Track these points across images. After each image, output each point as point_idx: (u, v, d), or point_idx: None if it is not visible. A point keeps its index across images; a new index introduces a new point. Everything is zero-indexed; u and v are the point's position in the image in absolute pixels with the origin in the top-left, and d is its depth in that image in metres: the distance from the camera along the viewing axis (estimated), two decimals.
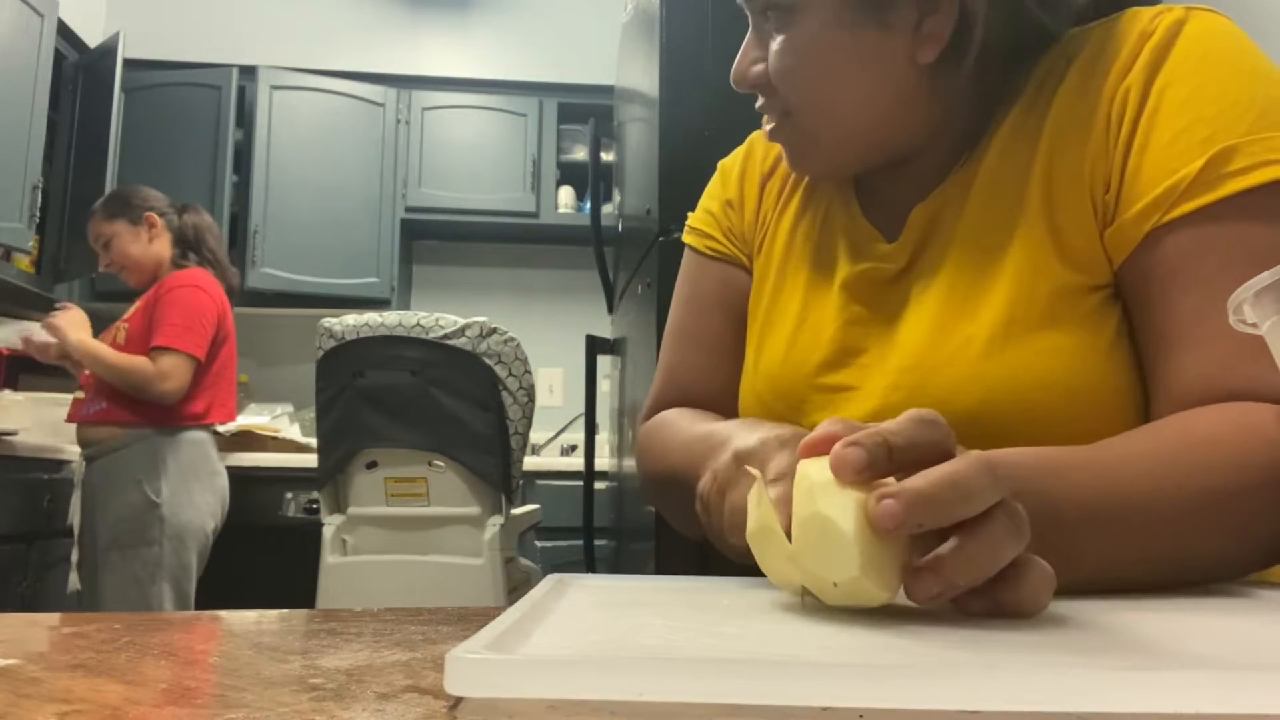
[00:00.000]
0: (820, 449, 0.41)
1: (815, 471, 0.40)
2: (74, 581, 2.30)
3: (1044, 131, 0.64)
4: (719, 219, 0.84)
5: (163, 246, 2.43)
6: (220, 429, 3.11)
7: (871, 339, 0.69)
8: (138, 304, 2.38)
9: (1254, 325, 0.42)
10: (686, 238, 0.87)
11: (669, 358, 0.86)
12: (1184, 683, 0.27)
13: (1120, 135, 0.60)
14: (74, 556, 2.30)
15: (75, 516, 2.30)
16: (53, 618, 0.49)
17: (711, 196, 0.86)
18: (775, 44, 0.65)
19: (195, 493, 2.31)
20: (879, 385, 0.66)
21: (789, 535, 0.41)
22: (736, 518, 0.51)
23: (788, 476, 0.47)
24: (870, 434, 0.39)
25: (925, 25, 0.63)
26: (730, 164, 0.87)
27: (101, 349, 2.27)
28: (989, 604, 0.39)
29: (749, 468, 0.47)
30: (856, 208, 0.74)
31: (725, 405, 0.79)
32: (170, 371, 2.25)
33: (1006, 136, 0.66)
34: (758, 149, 0.85)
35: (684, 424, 0.75)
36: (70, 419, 2.35)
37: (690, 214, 0.88)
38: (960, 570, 0.38)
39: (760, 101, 0.71)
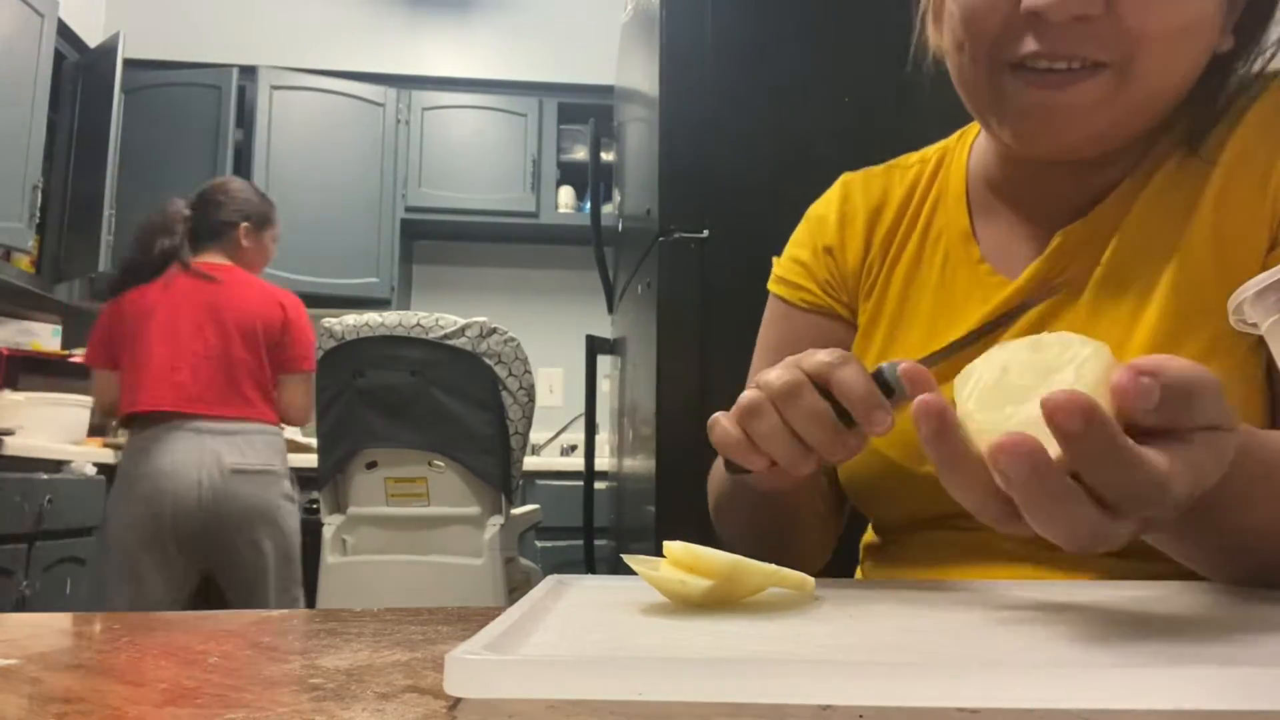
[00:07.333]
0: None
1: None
2: None
3: (1215, 170, 0.64)
4: (813, 269, 0.80)
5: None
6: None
7: None
8: (233, 327, 2.32)
9: (1254, 325, 0.42)
10: (774, 287, 0.83)
11: None
12: (1185, 680, 0.27)
13: None
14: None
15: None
16: (53, 617, 0.49)
17: (800, 245, 0.82)
18: None
19: (119, 504, 2.27)
20: None
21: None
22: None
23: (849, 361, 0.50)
24: (1181, 380, 0.36)
25: (1233, 14, 0.62)
26: (824, 210, 0.82)
27: None
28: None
29: None
30: (976, 250, 0.72)
31: None
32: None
33: (1169, 174, 0.65)
34: (855, 191, 0.81)
35: None
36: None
37: (776, 260, 0.84)
38: (1183, 476, 0.36)
39: (1037, 44, 0.59)
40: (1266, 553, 0.50)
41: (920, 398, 0.38)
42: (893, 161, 0.82)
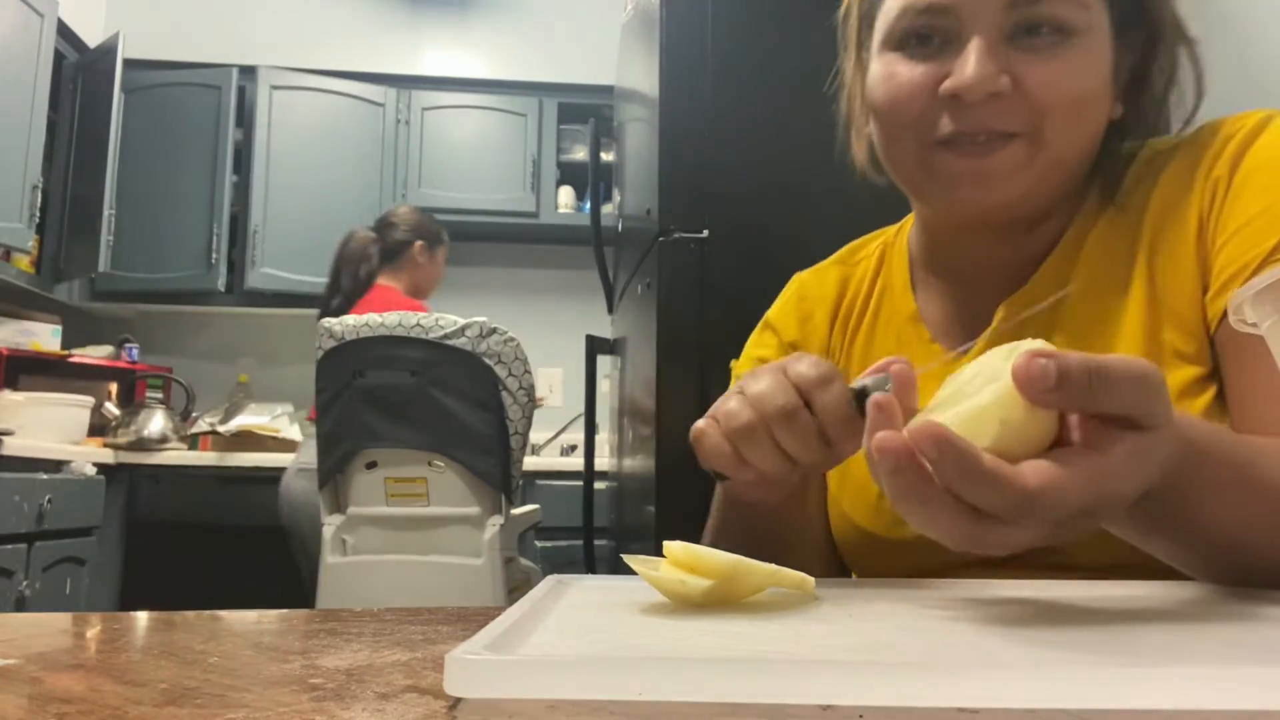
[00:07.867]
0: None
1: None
2: None
3: (1145, 225, 0.68)
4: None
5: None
6: (221, 429, 3.12)
7: None
8: None
9: (1254, 325, 0.42)
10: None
11: None
12: (1185, 680, 0.27)
13: (1210, 224, 0.65)
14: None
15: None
16: (53, 618, 0.49)
17: (764, 345, 0.86)
18: (1048, 64, 0.63)
19: None
20: None
21: None
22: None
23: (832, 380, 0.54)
24: (1081, 363, 0.37)
25: (1118, 85, 0.68)
26: (783, 310, 0.86)
27: None
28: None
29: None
30: (926, 332, 0.76)
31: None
32: None
33: (1098, 243, 0.69)
34: (810, 288, 0.85)
35: None
36: None
37: (734, 363, 0.87)
38: (1077, 486, 0.37)
39: (953, 121, 0.65)
40: (1245, 551, 0.50)
41: (874, 396, 0.43)
42: (838, 256, 0.87)
